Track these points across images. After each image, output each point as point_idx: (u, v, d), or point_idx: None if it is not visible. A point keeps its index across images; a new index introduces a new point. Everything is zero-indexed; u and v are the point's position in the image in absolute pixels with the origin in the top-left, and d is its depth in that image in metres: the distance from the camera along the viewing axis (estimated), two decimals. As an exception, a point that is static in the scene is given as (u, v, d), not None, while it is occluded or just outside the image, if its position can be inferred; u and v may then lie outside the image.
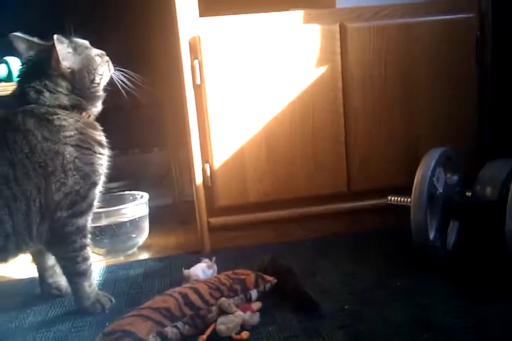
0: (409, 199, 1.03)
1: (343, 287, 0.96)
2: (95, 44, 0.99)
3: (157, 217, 1.36)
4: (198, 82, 1.16)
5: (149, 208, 1.32)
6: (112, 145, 0.99)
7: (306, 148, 1.21)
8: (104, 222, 1.24)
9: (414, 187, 0.99)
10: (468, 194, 1.04)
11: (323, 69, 1.18)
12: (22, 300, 1.02)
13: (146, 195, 1.32)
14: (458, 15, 1.20)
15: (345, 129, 1.21)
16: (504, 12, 1.21)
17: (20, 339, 0.86)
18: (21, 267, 1.19)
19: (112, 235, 1.25)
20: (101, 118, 1.00)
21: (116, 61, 1.01)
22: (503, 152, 1.17)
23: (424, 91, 1.23)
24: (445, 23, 1.20)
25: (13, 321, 0.93)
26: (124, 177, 1.51)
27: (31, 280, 1.09)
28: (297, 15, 1.17)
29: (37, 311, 0.96)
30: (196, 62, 1.15)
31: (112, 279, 1.10)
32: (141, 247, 1.31)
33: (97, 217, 1.23)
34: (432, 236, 1.01)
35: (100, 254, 1.26)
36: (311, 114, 1.19)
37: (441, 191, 1.01)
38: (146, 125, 1.61)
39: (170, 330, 0.78)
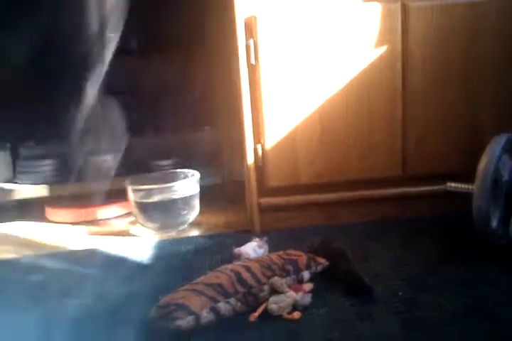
0: (470, 186, 1.00)
1: (396, 272, 0.94)
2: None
3: (207, 196, 1.37)
4: (253, 61, 1.15)
5: (199, 187, 1.34)
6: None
7: (361, 128, 1.18)
8: (156, 199, 1.27)
9: (478, 173, 0.96)
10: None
11: (383, 49, 1.15)
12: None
13: (197, 174, 1.33)
14: (527, -8, 1.14)
15: (402, 109, 1.18)
16: None
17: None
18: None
19: (164, 211, 1.27)
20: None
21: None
22: None
23: (488, 71, 1.17)
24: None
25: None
26: (176, 156, 1.54)
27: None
28: (357, -9, 1.14)
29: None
30: (251, 41, 1.14)
31: (164, 254, 1.13)
32: (192, 224, 1.33)
33: (150, 193, 1.26)
34: (494, 224, 0.97)
35: (152, 229, 1.29)
36: (367, 94, 1.17)
37: (506, 178, 0.97)
38: (198, 104, 1.62)
39: (223, 306, 0.79)
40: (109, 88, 1.14)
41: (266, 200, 1.23)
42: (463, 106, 1.19)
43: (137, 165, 1.47)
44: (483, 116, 1.20)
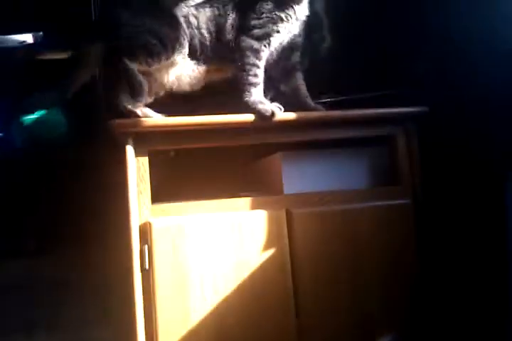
0: None
1: None
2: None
3: None
4: (147, 266, 1.16)
5: None
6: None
7: (257, 329, 1.17)
8: None
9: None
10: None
11: (272, 252, 1.21)
12: None
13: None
14: (396, 201, 1.29)
15: (295, 309, 1.20)
16: (437, 199, 1.31)
17: None
18: None
19: None
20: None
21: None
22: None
23: (368, 274, 1.25)
24: (385, 208, 1.28)
25: None
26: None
27: None
28: (246, 202, 1.23)
29: None
30: (146, 247, 1.16)
31: None
32: None
33: None
34: None
35: None
36: (260, 294, 1.19)
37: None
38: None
39: None
40: None
41: None
42: (351, 300, 1.24)
43: None
44: (371, 311, 1.24)
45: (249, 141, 1.27)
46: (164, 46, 1.22)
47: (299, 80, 1.32)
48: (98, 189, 1.55)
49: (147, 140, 1.20)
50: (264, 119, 1.21)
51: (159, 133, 1.20)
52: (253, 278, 1.19)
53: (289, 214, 1.23)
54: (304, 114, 1.26)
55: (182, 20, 1.25)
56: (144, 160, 1.20)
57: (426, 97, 1.31)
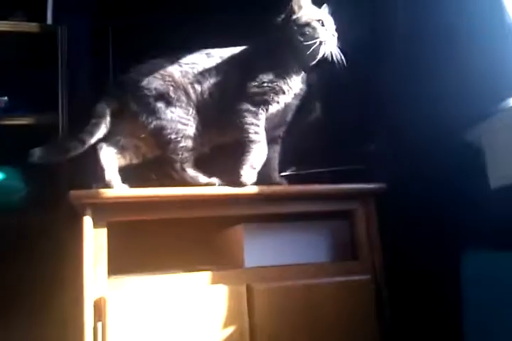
0: None
1: None
2: None
3: None
4: (100, 344, 1.10)
5: None
6: None
7: None
8: None
9: None
10: None
11: (231, 328, 1.17)
12: None
13: None
14: (356, 277, 1.29)
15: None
16: (397, 274, 1.32)
17: None
18: None
19: None
20: None
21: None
22: None
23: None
24: (345, 284, 1.27)
25: None
26: None
27: None
28: (205, 276, 1.21)
29: None
30: (99, 324, 1.11)
31: None
32: None
33: None
34: None
35: None
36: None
37: None
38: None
39: None
40: None
41: None
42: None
43: None
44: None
45: (211, 213, 1.27)
46: None
47: (275, 153, 1.34)
48: (55, 259, 1.49)
49: (106, 211, 1.18)
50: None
51: (119, 204, 1.19)
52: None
53: (249, 289, 1.21)
54: (267, 188, 1.27)
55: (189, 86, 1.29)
56: (102, 232, 1.17)
57: (385, 174, 1.36)
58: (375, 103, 1.47)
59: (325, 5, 1.34)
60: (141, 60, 1.49)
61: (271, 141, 1.32)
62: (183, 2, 1.97)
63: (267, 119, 1.30)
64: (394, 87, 1.39)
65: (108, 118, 1.27)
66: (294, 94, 1.31)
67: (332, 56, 1.30)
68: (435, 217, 1.28)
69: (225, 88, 1.30)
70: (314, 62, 1.32)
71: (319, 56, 1.30)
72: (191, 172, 1.27)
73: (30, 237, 1.57)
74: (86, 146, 1.24)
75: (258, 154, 1.25)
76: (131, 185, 1.24)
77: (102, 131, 1.26)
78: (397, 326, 1.29)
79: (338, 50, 1.31)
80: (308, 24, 1.29)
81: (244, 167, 1.24)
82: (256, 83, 1.27)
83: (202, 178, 1.27)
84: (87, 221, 1.16)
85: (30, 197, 1.55)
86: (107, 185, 1.22)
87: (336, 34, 1.31)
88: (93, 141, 1.25)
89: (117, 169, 1.28)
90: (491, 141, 1.17)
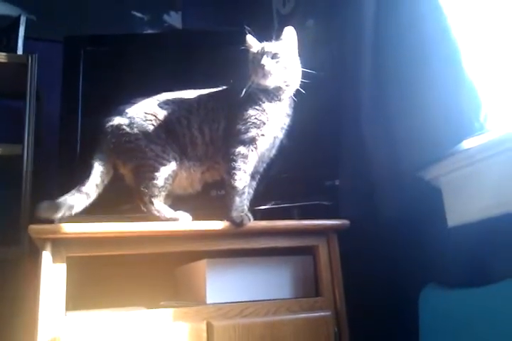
0: None
1: None
2: None
3: None
4: (53, 385, 1.07)
5: None
6: None
7: None
8: None
9: None
10: None
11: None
12: None
13: None
14: (317, 313, 1.29)
15: None
16: (357, 310, 1.33)
17: None
18: None
19: None
20: None
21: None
22: None
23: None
24: (306, 320, 1.27)
25: None
26: None
27: None
28: (166, 313, 1.19)
29: None
30: (54, 363, 1.08)
31: None
32: None
33: None
34: None
35: None
36: None
37: None
38: None
39: None
40: None
41: None
42: None
43: None
44: None
45: (174, 248, 1.27)
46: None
47: (249, 189, 1.34)
48: (15, 296, 1.46)
49: (66, 246, 1.17)
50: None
51: (79, 239, 1.17)
52: None
53: (209, 326, 1.20)
54: (230, 224, 1.27)
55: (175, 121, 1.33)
56: (61, 267, 1.15)
57: (348, 210, 1.38)
58: (340, 139, 1.50)
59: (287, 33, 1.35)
60: (113, 87, 1.51)
61: (250, 177, 1.34)
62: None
63: (258, 157, 1.33)
64: (359, 124, 1.43)
65: (104, 171, 1.29)
66: (277, 126, 1.34)
67: (285, 87, 1.33)
68: (394, 254, 1.31)
69: (214, 125, 1.33)
70: (285, 94, 1.34)
71: (265, 86, 1.31)
72: (158, 205, 1.28)
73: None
74: (91, 199, 1.25)
75: (240, 200, 1.28)
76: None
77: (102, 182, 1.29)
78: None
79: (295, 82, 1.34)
80: (253, 57, 1.33)
81: (232, 211, 1.26)
82: (240, 120, 1.31)
83: (167, 212, 1.28)
84: (46, 256, 1.15)
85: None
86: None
87: (287, 66, 1.32)
88: (96, 193, 1.27)
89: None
90: (447, 180, 1.21)
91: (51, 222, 1.18)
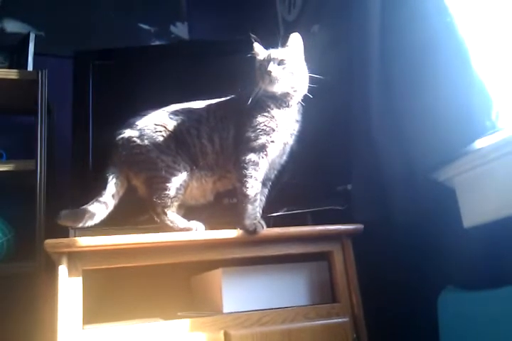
0: None
1: None
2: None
3: None
4: None
5: None
6: None
7: None
8: None
9: None
10: None
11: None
12: None
13: None
14: (335, 320, 1.28)
15: None
16: (375, 316, 1.31)
17: None
18: None
19: None
20: None
21: None
22: None
23: None
24: (324, 327, 1.26)
25: None
26: None
27: None
28: (183, 323, 1.19)
29: None
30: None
31: None
32: None
33: None
34: None
35: None
36: None
37: None
38: None
39: None
40: None
41: None
42: None
43: None
44: None
45: (189, 258, 1.27)
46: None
47: (261, 196, 1.34)
48: (32, 310, 1.47)
49: (82, 259, 1.17)
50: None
51: (94, 252, 1.18)
52: None
53: (227, 336, 1.19)
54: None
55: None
56: (78, 281, 1.16)
57: (362, 215, 1.37)
58: (352, 142, 1.50)
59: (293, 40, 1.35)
60: (123, 98, 1.52)
61: (261, 184, 1.33)
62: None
63: (269, 164, 1.33)
64: (369, 127, 1.42)
65: (118, 183, 1.31)
66: (287, 132, 1.34)
67: (293, 93, 1.33)
68: (410, 257, 1.29)
69: (223, 134, 1.34)
70: (293, 101, 1.34)
71: (273, 93, 1.32)
72: (171, 216, 1.29)
73: (7, 285, 1.55)
74: (110, 209, 1.27)
75: (253, 207, 1.28)
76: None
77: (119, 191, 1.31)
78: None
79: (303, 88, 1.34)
80: (260, 64, 1.33)
81: (245, 219, 1.26)
82: (250, 127, 1.31)
83: (180, 222, 1.28)
84: (62, 270, 1.15)
85: (8, 245, 1.54)
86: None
87: (294, 72, 1.32)
88: (113, 203, 1.28)
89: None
90: (461, 180, 1.19)
91: (68, 231, 1.19)
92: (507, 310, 1.01)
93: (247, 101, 1.30)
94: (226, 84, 1.48)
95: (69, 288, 1.15)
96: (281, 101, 1.33)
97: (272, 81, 1.29)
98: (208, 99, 1.40)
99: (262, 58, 1.34)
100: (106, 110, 1.58)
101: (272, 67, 1.29)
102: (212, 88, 1.47)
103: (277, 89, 1.31)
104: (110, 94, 1.62)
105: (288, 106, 1.34)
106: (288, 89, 1.32)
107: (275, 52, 1.33)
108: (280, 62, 1.30)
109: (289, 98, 1.33)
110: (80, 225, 1.22)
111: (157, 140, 1.32)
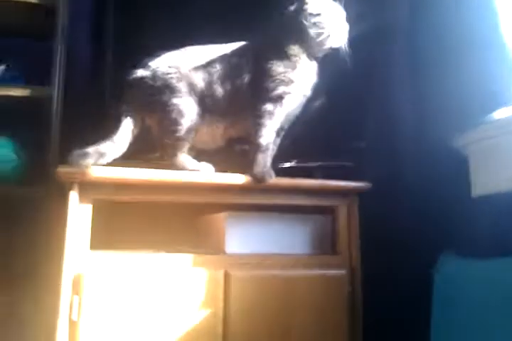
0: None
1: None
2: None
3: None
4: (75, 318, 1.12)
5: None
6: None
7: None
8: None
9: None
10: None
11: (205, 313, 1.20)
12: None
13: None
14: (332, 271, 1.32)
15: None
16: (372, 271, 1.35)
17: None
18: None
19: None
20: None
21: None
22: None
23: (301, 338, 1.26)
24: (321, 277, 1.30)
25: None
26: None
27: None
28: (185, 258, 1.23)
29: None
30: (76, 298, 1.13)
31: None
32: None
33: None
34: None
35: None
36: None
37: None
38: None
39: None
40: None
41: None
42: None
43: None
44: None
45: (197, 199, 1.29)
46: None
47: (273, 146, 1.34)
48: (40, 231, 1.50)
49: (93, 188, 1.19)
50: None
51: (105, 183, 1.19)
52: (185, 338, 1.17)
53: (227, 276, 1.23)
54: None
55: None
56: (88, 208, 1.18)
57: (371, 172, 1.38)
58: (370, 101, 1.49)
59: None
60: (145, 27, 1.48)
61: (275, 133, 1.34)
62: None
63: (285, 115, 1.32)
64: (389, 87, 1.41)
65: (133, 122, 1.30)
66: (306, 85, 1.33)
67: (341, 49, 1.31)
68: (414, 219, 1.31)
69: (237, 80, 1.31)
70: (324, 53, 1.33)
71: (327, 47, 1.31)
72: (182, 157, 1.29)
73: (18, 208, 1.58)
74: (123, 149, 1.27)
75: (263, 156, 1.29)
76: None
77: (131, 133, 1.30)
78: (368, 321, 1.33)
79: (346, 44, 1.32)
80: (319, 14, 1.30)
81: (255, 167, 1.27)
82: (268, 77, 1.29)
83: (190, 164, 1.29)
84: (73, 196, 1.17)
85: (21, 169, 1.55)
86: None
87: (347, 27, 1.31)
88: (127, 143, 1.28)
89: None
90: (475, 149, 1.20)
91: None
92: (504, 280, 1.03)
93: (270, 49, 1.29)
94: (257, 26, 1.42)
95: (79, 213, 1.17)
96: (313, 53, 1.31)
97: (334, 36, 1.29)
98: (235, 37, 1.36)
99: (319, 6, 1.31)
100: (127, 37, 1.52)
101: (332, 19, 1.28)
102: (244, 27, 1.41)
103: (337, 44, 1.30)
104: (133, 20, 1.55)
105: (316, 59, 1.32)
106: (336, 45, 1.31)
107: (335, 5, 1.31)
108: (338, 16, 1.30)
109: (316, 50, 1.31)
110: (91, 164, 1.22)
111: (169, 82, 1.30)
